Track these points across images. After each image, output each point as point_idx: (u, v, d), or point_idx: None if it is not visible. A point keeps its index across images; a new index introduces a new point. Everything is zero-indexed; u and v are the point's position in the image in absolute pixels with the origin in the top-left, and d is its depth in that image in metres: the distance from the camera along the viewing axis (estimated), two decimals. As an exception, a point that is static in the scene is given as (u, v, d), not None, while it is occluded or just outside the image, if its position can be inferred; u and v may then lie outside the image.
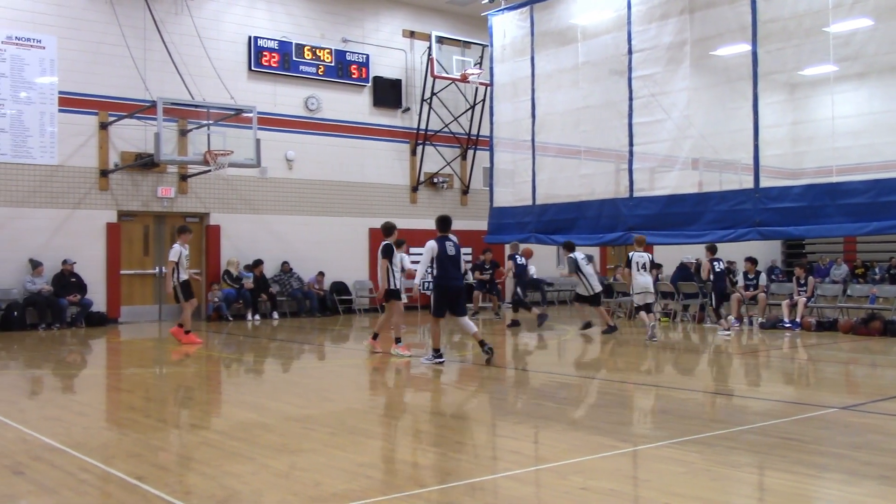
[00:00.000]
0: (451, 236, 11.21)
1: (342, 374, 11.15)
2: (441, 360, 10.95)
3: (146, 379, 10.66)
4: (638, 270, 14.02)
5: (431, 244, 10.94)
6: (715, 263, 15.57)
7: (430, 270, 11.41)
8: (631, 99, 16.38)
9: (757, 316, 16.61)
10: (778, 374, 11.01)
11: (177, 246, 13.35)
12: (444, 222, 11.16)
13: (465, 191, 23.58)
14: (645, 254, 14.24)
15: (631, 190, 16.52)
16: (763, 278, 17.42)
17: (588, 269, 15.52)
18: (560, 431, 6.85)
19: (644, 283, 14.03)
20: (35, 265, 16.69)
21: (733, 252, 23.76)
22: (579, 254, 15.65)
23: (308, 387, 10.02)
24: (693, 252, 18.58)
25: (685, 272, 18.48)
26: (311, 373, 11.48)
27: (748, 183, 14.83)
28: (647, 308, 14.17)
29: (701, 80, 15.93)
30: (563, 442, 6.49)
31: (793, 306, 16.01)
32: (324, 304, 20.10)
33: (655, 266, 15.06)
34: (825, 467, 5.65)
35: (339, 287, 20.81)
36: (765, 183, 14.59)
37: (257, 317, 18.89)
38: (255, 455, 5.98)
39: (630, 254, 14.28)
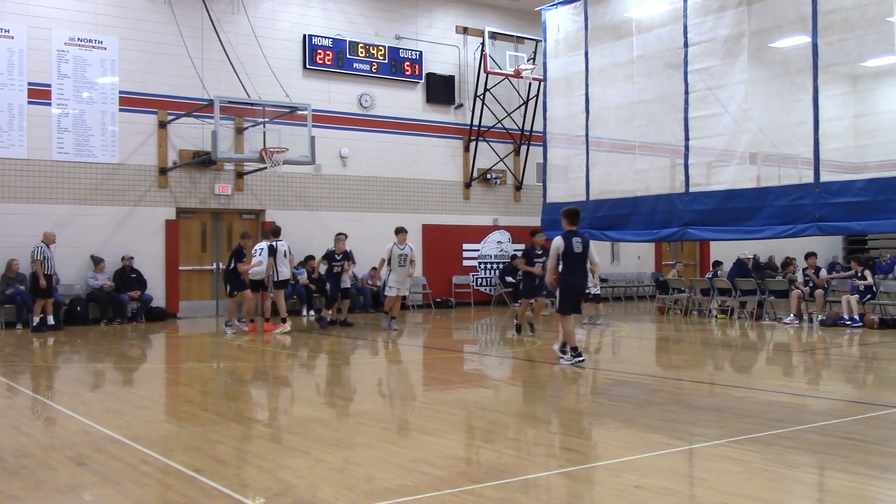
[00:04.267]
0: (579, 232, 10.44)
1: (395, 370, 11.22)
2: (581, 359, 10.19)
3: (204, 373, 10.85)
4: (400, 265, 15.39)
5: (558, 241, 10.17)
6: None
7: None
8: (687, 93, 16.11)
9: (816, 313, 16.24)
10: (838, 373, 10.76)
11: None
12: (573, 215, 10.29)
13: (519, 187, 23.50)
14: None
15: (687, 185, 16.26)
16: (823, 274, 17.03)
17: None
18: (614, 429, 6.79)
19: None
20: (97, 262, 17.10)
21: (793, 248, 23.37)
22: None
23: (362, 382, 10.10)
24: (752, 248, 18.25)
25: (742, 268, 18.17)
26: (365, 368, 11.57)
27: (808, 177, 14.48)
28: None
29: (759, 73, 15.62)
30: (618, 439, 6.43)
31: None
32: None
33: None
34: (888, 468, 5.51)
35: (393, 283, 20.89)
36: (825, 177, 14.24)
37: (312, 312, 19.07)
38: (310, 449, 6.04)
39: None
